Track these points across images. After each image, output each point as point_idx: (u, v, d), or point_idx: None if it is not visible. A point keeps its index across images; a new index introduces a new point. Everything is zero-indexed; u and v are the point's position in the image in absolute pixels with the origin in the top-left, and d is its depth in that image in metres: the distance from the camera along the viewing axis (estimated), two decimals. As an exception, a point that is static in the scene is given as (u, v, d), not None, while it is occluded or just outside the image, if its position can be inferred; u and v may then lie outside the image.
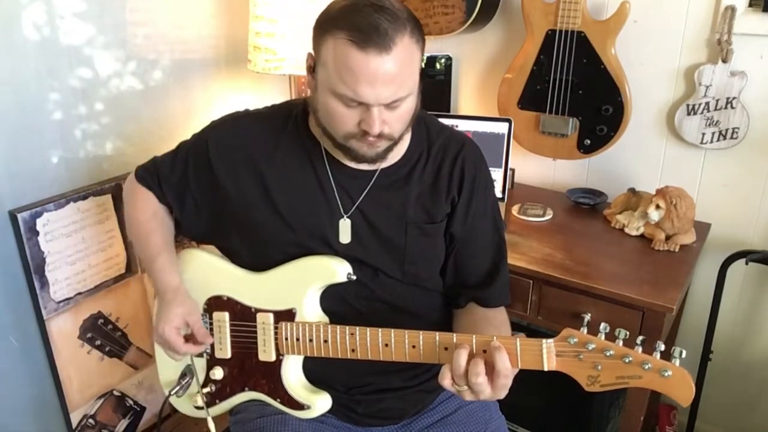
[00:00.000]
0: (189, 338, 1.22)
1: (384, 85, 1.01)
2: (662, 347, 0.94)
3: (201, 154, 1.23)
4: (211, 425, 1.28)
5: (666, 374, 0.92)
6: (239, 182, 1.21)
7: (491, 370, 0.99)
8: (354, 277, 1.18)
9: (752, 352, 1.99)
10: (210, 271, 1.29)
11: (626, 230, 1.82)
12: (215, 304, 1.26)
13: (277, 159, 1.20)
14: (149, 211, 1.30)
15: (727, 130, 1.80)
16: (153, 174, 1.30)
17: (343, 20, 1.01)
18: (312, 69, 1.10)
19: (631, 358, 0.93)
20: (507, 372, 0.99)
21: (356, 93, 1.01)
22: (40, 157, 1.61)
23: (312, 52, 1.10)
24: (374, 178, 1.20)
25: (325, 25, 1.04)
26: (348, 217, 1.19)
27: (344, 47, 0.99)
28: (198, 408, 1.30)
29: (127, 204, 1.36)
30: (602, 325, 0.97)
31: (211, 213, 1.26)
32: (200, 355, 1.28)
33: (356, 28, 0.99)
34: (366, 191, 1.20)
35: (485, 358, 1.00)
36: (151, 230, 1.28)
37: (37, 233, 1.58)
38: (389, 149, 1.12)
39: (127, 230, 1.43)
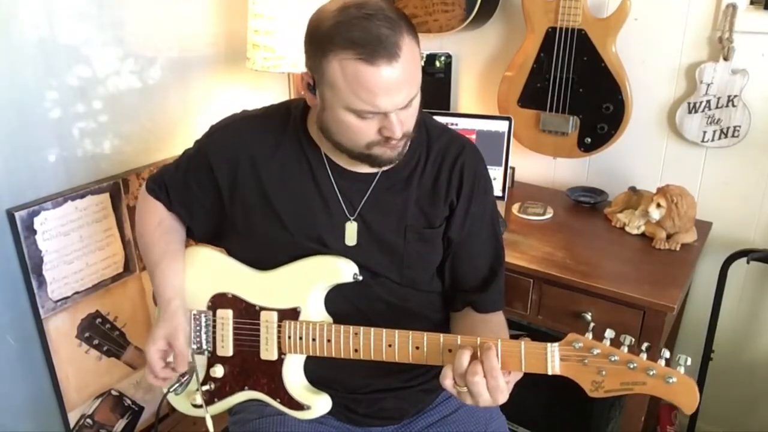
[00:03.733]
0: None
1: (398, 91, 1.01)
2: (667, 354, 0.93)
3: (203, 161, 1.23)
4: (210, 424, 1.27)
5: (670, 381, 0.91)
6: (239, 186, 1.20)
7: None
8: (360, 278, 1.18)
9: (754, 352, 1.99)
10: (215, 268, 1.28)
11: (627, 229, 1.82)
12: (219, 301, 1.25)
13: (276, 161, 1.20)
14: (154, 221, 1.30)
15: (728, 128, 1.80)
16: (161, 184, 1.30)
17: (340, 37, 0.99)
18: (311, 86, 1.09)
19: (635, 364, 0.93)
20: (495, 373, 0.98)
21: (374, 106, 1.01)
22: (38, 156, 1.59)
23: (308, 71, 1.08)
24: (375, 182, 1.19)
25: (321, 45, 1.01)
26: (354, 220, 1.19)
27: (353, 66, 0.98)
28: (196, 406, 1.29)
29: (137, 217, 1.37)
30: (607, 331, 0.96)
31: (217, 217, 1.26)
32: (201, 353, 1.27)
33: (359, 44, 0.97)
34: (367, 195, 1.19)
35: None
36: (153, 241, 1.29)
37: (35, 232, 1.57)
38: (407, 144, 1.13)
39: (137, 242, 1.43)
